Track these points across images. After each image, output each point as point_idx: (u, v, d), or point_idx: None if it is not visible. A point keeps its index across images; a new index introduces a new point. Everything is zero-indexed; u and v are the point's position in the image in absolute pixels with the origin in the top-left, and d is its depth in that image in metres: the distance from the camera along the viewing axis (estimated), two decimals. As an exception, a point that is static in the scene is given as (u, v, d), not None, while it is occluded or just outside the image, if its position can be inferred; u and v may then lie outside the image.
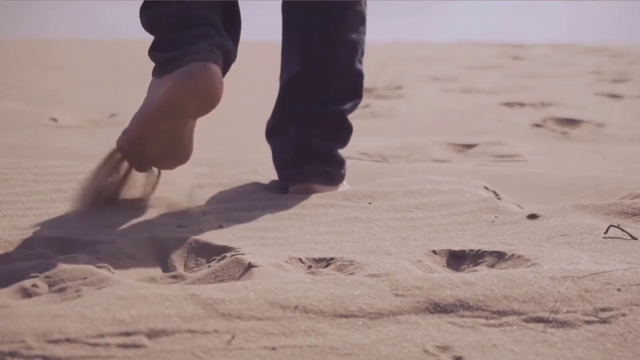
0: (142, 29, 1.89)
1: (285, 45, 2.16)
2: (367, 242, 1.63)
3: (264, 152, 3.05)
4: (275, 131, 2.16)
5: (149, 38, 1.88)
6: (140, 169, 1.91)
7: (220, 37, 1.79)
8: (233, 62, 1.83)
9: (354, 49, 2.13)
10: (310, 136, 2.09)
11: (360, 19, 2.14)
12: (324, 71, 2.11)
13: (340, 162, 2.14)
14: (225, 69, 1.79)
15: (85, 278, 1.29)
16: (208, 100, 1.71)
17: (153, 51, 1.81)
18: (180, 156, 1.88)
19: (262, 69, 7.78)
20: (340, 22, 2.11)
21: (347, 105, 2.14)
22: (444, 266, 1.51)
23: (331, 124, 2.12)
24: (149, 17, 1.84)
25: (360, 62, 2.16)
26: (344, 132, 2.15)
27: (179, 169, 1.92)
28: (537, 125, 3.89)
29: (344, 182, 2.17)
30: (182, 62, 1.70)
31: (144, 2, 1.86)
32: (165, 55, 1.75)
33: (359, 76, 2.15)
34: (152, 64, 1.84)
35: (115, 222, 1.80)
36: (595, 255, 1.48)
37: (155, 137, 1.78)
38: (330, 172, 2.10)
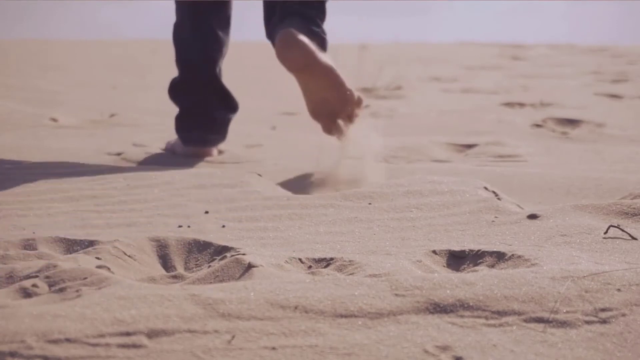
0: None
1: None
2: (367, 242, 1.63)
3: (265, 152, 3.05)
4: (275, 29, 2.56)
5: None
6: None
7: (213, 124, 2.99)
8: (228, 126, 3.04)
9: None
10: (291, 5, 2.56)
11: None
12: None
13: (320, 26, 2.56)
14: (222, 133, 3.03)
15: (85, 278, 1.29)
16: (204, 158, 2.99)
17: (177, 123, 3.00)
18: None
19: (262, 69, 7.78)
20: None
21: None
22: (444, 266, 1.51)
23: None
24: (172, 99, 3.04)
25: None
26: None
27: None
28: (537, 126, 3.89)
29: (327, 54, 2.49)
30: (188, 143, 2.98)
31: (169, 87, 3.02)
32: (181, 134, 2.99)
33: None
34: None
35: (115, 222, 1.80)
36: (595, 255, 1.48)
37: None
38: (312, 29, 2.48)
